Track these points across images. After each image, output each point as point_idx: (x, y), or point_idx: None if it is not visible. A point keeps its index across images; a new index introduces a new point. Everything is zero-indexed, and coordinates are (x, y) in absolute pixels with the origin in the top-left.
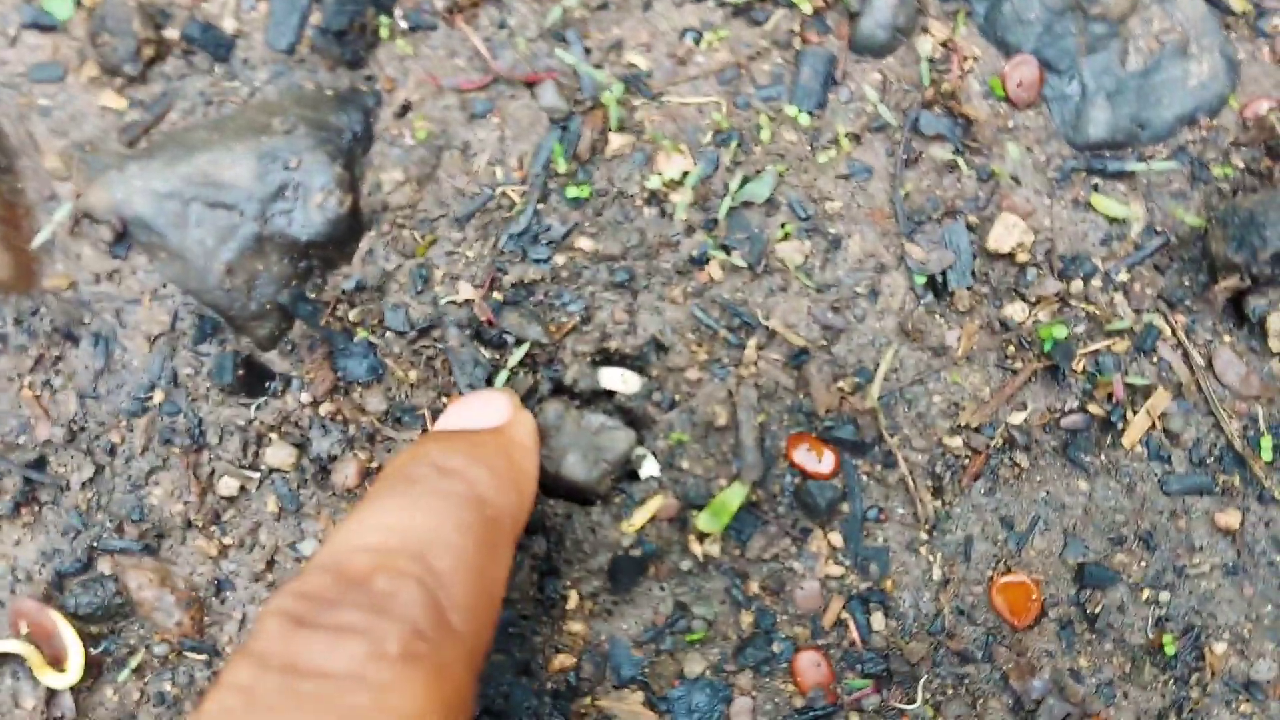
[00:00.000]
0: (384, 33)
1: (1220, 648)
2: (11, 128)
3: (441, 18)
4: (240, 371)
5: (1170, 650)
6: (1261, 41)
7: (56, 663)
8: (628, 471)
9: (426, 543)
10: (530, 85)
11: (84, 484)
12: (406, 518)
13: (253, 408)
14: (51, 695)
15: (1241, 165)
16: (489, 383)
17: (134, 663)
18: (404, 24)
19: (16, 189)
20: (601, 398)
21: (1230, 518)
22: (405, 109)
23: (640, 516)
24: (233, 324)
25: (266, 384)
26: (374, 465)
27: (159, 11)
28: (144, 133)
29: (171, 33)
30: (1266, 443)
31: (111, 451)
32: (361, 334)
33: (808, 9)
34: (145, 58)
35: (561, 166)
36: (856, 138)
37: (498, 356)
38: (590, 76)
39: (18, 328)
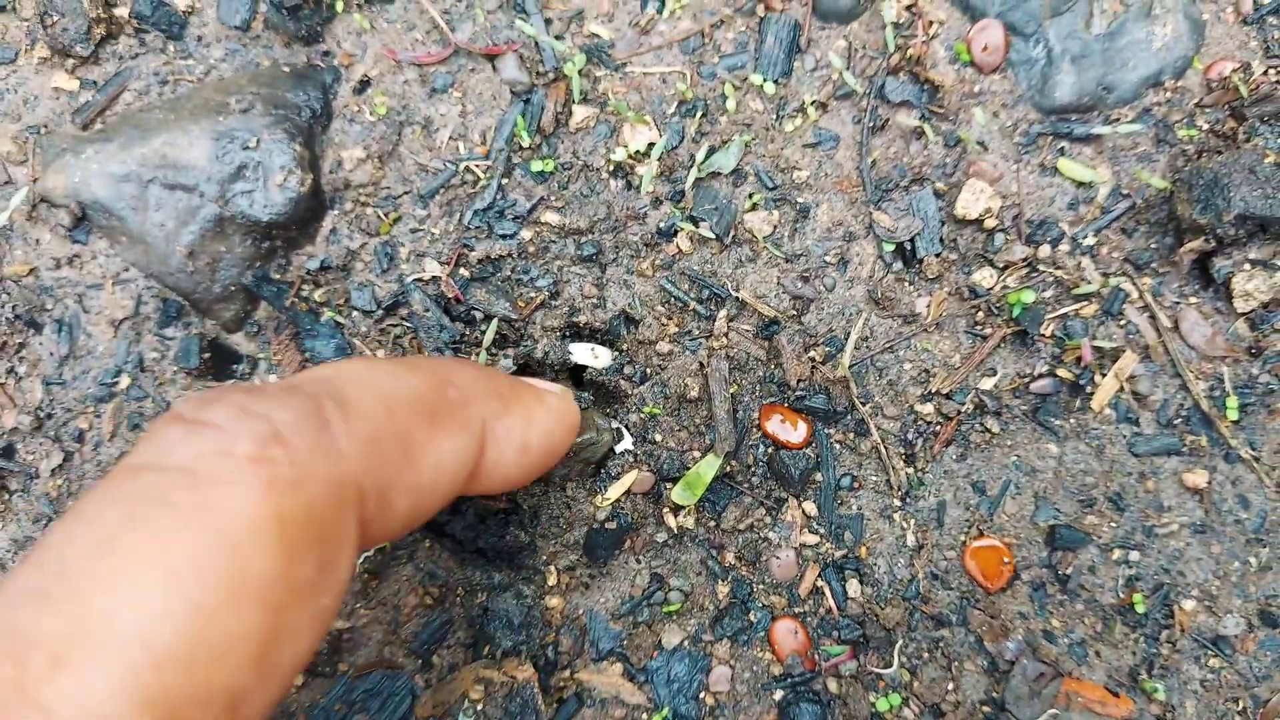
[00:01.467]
0: (339, 5)
1: (1189, 605)
2: None
3: None
4: (206, 354)
5: (1141, 609)
6: (1225, 1)
7: None
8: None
9: (350, 378)
10: (491, 58)
11: (53, 471)
12: (353, 364)
13: None
14: None
15: (1206, 127)
16: (455, 352)
17: None
18: None
19: None
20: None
21: (1198, 477)
22: (364, 84)
23: (615, 490)
24: (197, 307)
25: (233, 366)
26: None
27: None
28: (98, 114)
29: (122, 10)
30: (1232, 403)
31: (80, 438)
32: (328, 314)
33: None
34: (96, 37)
35: (525, 140)
36: (823, 106)
37: (467, 332)
38: (551, 48)
39: None
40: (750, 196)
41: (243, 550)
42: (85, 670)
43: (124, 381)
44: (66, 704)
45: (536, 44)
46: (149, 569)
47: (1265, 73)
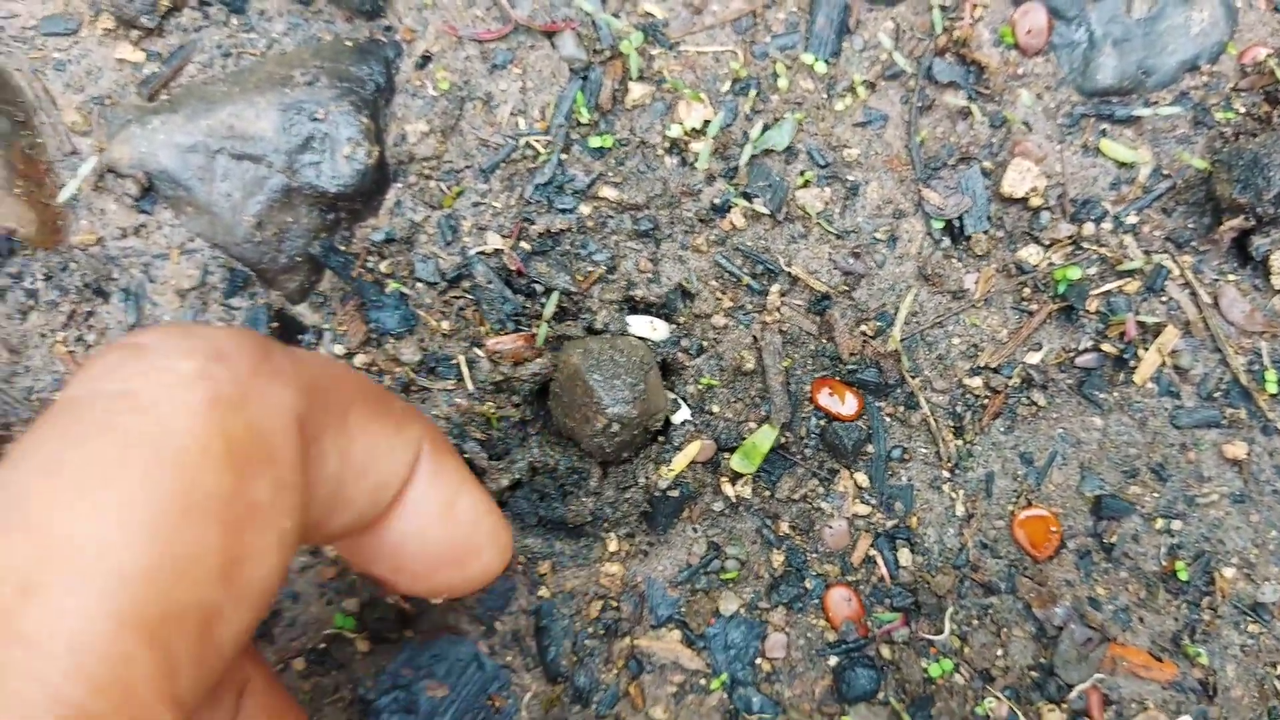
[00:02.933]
0: None
1: (1229, 572)
2: (26, 83)
3: None
4: (273, 324)
5: (1182, 576)
6: None
7: None
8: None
9: (299, 349)
10: (549, 35)
11: None
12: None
13: None
14: None
15: (1242, 110)
16: (517, 325)
17: None
18: None
19: (37, 144)
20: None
21: (1237, 449)
22: (426, 60)
23: (680, 461)
24: (263, 277)
25: (299, 337)
26: None
27: None
28: (163, 86)
29: None
30: (1271, 376)
31: None
32: (393, 285)
33: None
34: (162, 9)
35: (584, 116)
36: (871, 85)
37: (528, 304)
38: (608, 25)
39: (48, 284)
40: (802, 174)
41: (191, 468)
42: (58, 597)
43: None
44: (46, 633)
45: (594, 22)
46: (101, 490)
47: None
